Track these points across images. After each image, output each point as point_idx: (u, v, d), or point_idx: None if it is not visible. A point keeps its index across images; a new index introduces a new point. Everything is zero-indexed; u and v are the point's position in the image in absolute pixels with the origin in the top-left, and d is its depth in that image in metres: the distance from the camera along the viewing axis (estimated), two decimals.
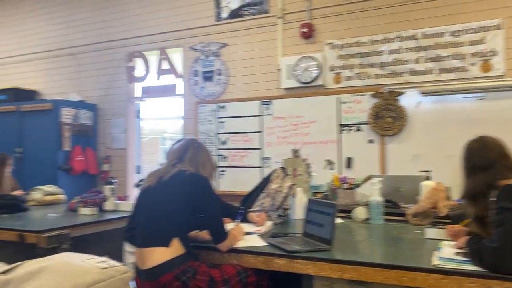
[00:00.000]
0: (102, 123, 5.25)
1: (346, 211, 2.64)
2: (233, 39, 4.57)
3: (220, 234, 1.81)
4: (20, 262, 0.88)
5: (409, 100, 3.79)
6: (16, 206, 3.00)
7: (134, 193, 4.79)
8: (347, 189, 2.81)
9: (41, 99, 5.43)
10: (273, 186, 2.55)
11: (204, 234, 1.93)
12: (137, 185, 2.19)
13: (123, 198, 3.38)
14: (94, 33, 5.35)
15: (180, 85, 4.92)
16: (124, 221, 2.83)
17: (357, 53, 4.01)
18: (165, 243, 1.73)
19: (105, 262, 0.91)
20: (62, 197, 3.58)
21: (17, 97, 5.34)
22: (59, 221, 2.74)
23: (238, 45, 4.55)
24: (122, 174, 5.00)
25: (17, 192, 3.39)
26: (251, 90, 4.45)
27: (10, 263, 1.00)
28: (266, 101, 4.34)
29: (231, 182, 4.33)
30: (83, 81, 5.39)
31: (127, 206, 2.99)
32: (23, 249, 2.35)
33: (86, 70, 5.39)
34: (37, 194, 3.41)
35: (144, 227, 1.84)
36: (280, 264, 1.71)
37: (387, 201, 2.61)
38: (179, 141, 2.17)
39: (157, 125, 7.10)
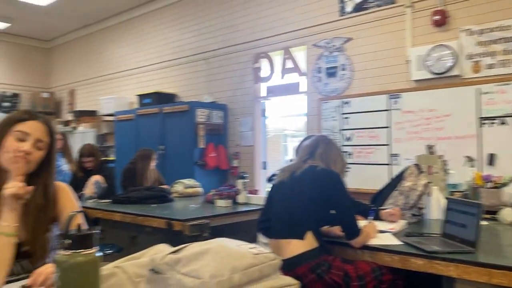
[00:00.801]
0: (232, 122, 5.58)
1: (491, 212, 2.41)
2: (357, 32, 4.48)
3: (353, 230, 1.80)
4: (185, 244, 0.99)
5: None
6: (163, 197, 3.38)
7: (263, 188, 5.01)
8: (491, 188, 2.56)
9: (179, 101, 5.99)
10: (406, 184, 2.44)
11: (336, 230, 1.94)
12: (270, 180, 2.29)
13: (254, 192, 3.56)
14: (223, 38, 5.72)
15: (303, 83, 4.98)
16: (256, 213, 2.99)
17: (500, 38, 3.60)
18: (300, 236, 1.78)
19: (256, 248, 0.98)
20: (200, 190, 3.91)
21: (159, 100, 5.97)
22: (200, 211, 3.01)
23: (363, 39, 4.43)
24: (250, 170, 5.26)
25: (164, 186, 3.81)
26: (378, 84, 4.30)
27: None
28: (394, 94, 4.16)
29: (356, 179, 4.24)
30: (214, 83, 5.80)
31: (258, 199, 3.15)
32: (170, 235, 2.64)
33: (217, 73, 5.79)
34: (179, 187, 3.79)
35: (279, 219, 1.92)
36: (418, 264, 1.64)
37: None
38: (309, 137, 2.21)
39: (279, 123, 7.29)
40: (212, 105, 5.52)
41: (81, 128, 7.30)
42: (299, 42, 4.96)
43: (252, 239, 2.98)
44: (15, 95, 8.31)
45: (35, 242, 1.40)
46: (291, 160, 2.24)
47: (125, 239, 2.97)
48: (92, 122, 7.29)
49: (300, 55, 5.01)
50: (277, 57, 5.19)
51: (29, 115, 1.43)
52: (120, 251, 3.01)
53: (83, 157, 3.97)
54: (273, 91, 5.33)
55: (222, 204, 3.11)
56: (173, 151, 5.44)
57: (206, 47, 5.92)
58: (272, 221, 1.96)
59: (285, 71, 5.09)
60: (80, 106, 8.03)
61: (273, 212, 1.99)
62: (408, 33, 4.11)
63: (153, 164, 4.09)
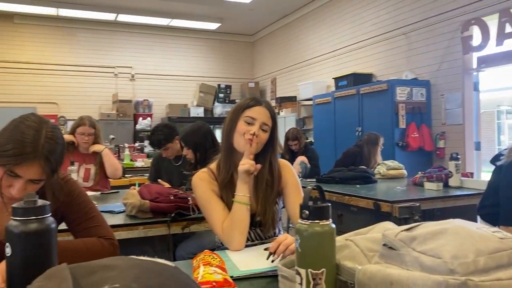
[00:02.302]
0: (436, 99, 5.16)
1: None
2: None
3: None
4: (416, 224, 0.96)
5: None
6: (367, 178, 3.37)
7: (476, 171, 4.50)
8: None
9: (377, 81, 5.83)
10: None
11: None
12: (494, 161, 2.03)
13: (468, 175, 3.22)
14: (424, 9, 5.29)
15: None
16: (472, 198, 2.72)
17: None
18: None
19: (500, 232, 0.88)
20: (404, 172, 3.76)
21: (356, 81, 5.93)
22: (407, 194, 2.90)
23: None
24: (459, 151, 4.77)
25: None
26: None
27: (365, 226, 1.14)
28: None
29: None
30: (415, 59, 5.44)
31: (475, 183, 2.85)
32: (376, 216, 2.61)
33: (417, 47, 5.41)
34: (382, 168, 3.71)
35: (509, 205, 1.70)
36: None
37: None
38: None
39: (491, 98, 6.36)
40: (413, 82, 5.20)
41: (283, 113, 7.85)
42: None
43: None
44: (228, 87, 9.47)
45: (266, 213, 1.57)
46: None
47: (332, 217, 3.07)
48: (292, 107, 7.75)
49: None
50: (492, 22, 4.52)
51: (255, 102, 1.60)
52: None
53: (289, 141, 4.27)
54: (487, 61, 4.68)
55: (431, 187, 2.92)
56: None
57: (404, 21, 5.58)
58: (502, 207, 1.74)
59: (503, 36, 4.40)
60: (281, 93, 8.63)
61: (501, 197, 1.76)
62: None
63: (379, 148, 4.13)
